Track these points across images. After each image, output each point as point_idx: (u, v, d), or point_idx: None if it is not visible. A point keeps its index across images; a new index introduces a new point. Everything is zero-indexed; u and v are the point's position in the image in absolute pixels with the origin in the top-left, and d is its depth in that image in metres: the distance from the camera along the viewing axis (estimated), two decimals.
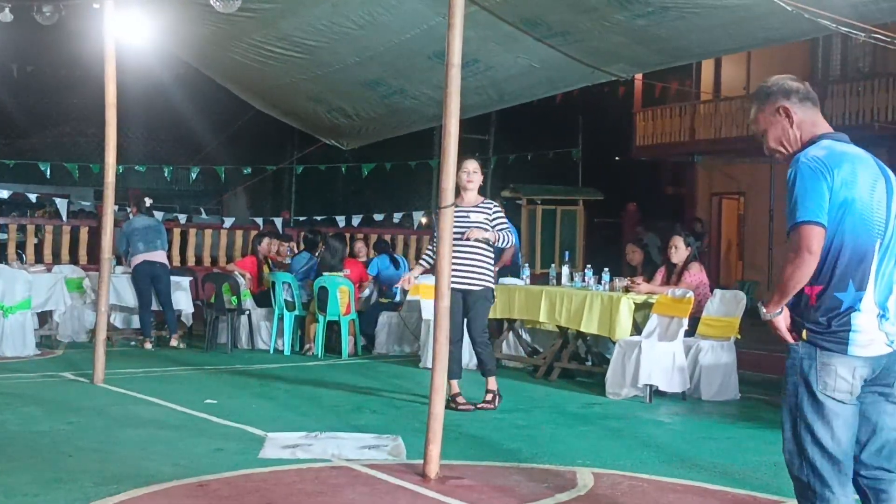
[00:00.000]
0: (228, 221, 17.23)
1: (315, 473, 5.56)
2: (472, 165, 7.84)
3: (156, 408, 7.64)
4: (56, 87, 22.40)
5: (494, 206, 7.98)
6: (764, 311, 3.36)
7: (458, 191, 7.88)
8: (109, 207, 8.77)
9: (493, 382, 7.87)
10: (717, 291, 9.19)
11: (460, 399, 7.68)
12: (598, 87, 13.19)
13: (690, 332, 8.73)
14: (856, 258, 3.26)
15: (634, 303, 8.83)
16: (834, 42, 18.96)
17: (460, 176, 7.76)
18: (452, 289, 7.76)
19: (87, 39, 10.20)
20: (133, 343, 11.68)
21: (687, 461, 6.14)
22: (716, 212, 22.11)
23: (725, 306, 8.91)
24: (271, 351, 11.36)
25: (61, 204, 15.49)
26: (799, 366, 3.30)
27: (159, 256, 11.50)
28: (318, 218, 18.38)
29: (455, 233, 7.72)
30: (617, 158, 24.44)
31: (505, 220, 7.96)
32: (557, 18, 7.63)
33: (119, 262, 12.04)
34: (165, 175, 18.29)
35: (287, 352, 11.21)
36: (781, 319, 3.35)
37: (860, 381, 3.27)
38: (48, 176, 16.87)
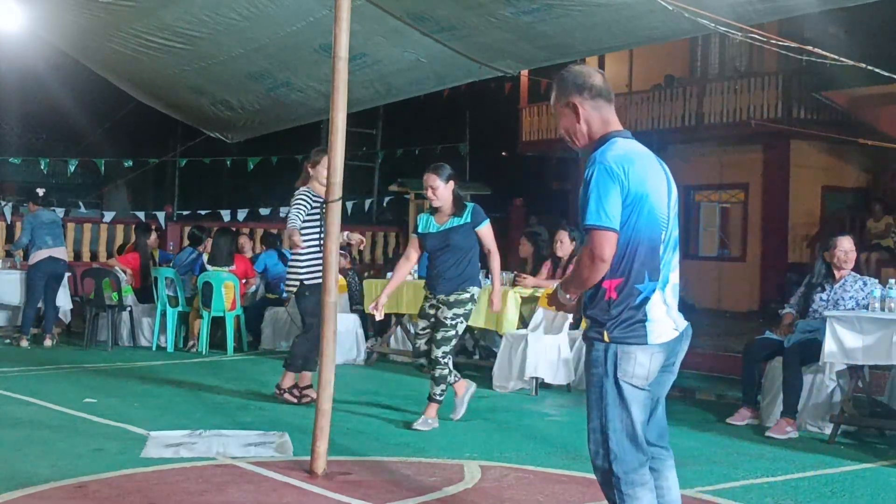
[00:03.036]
0: (109, 215, 16.81)
1: (199, 472, 5.46)
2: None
3: (32, 407, 7.41)
4: None
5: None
6: (568, 297, 3.57)
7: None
8: None
9: (287, 379, 7.81)
10: None
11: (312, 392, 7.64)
12: (484, 83, 13.31)
13: (575, 325, 8.86)
14: (650, 251, 3.44)
15: (521, 296, 8.93)
16: (712, 41, 19.51)
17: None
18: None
19: None
20: (8, 341, 11.30)
21: (571, 452, 6.24)
22: None
23: None
24: (154, 348, 11.13)
25: None
26: (603, 357, 3.44)
27: (63, 253, 11.44)
28: (203, 212, 18.07)
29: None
30: (504, 154, 24.68)
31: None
32: (444, 13, 7.65)
33: None
34: (42, 167, 17.74)
35: (170, 348, 11.01)
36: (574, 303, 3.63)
37: (656, 367, 3.46)
38: None
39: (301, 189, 7.75)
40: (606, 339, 3.42)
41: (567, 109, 3.58)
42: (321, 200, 7.47)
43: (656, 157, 3.59)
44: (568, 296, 3.57)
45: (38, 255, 11.03)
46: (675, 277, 3.55)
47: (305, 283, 7.65)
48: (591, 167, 3.41)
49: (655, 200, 3.45)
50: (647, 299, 3.42)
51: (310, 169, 7.80)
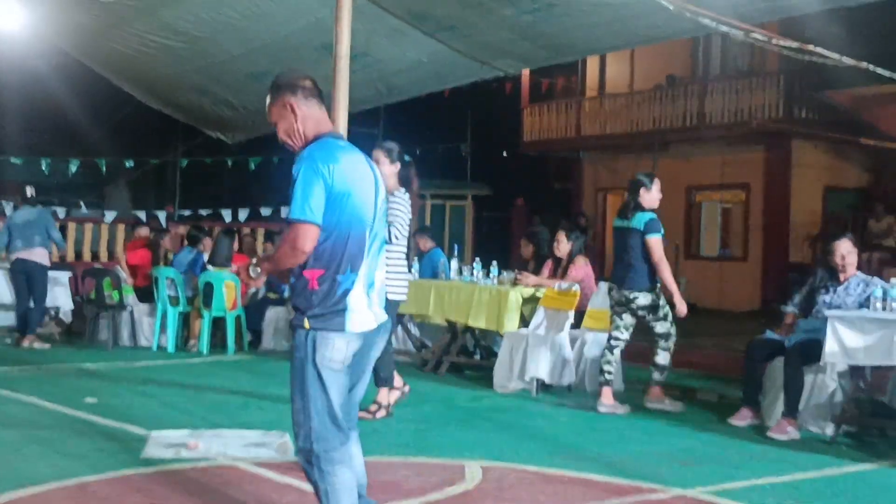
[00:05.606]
0: (110, 215, 16.80)
1: (200, 473, 5.46)
2: None
3: (32, 407, 7.40)
4: None
5: None
6: (259, 271, 3.77)
7: None
8: None
9: (383, 394, 7.22)
10: (602, 284, 9.34)
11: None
12: (486, 83, 13.29)
13: (576, 325, 8.85)
14: (353, 245, 3.66)
15: (522, 296, 8.91)
16: (714, 41, 19.49)
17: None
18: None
19: None
20: (8, 340, 11.29)
21: (572, 452, 6.23)
22: (601, 206, 22.52)
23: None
24: (154, 348, 11.12)
25: None
26: (304, 343, 3.65)
27: (37, 255, 10.91)
28: (204, 212, 18.06)
29: None
30: (505, 154, 24.68)
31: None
32: (445, 13, 7.66)
33: None
34: (43, 167, 17.73)
35: (171, 348, 10.99)
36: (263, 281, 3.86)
37: (352, 353, 3.68)
38: None
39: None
40: (307, 326, 3.64)
41: (285, 111, 3.74)
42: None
43: (366, 159, 3.83)
44: (259, 270, 3.76)
45: (11, 257, 10.98)
46: (380, 275, 3.81)
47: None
48: (299, 164, 3.61)
49: (359, 200, 3.67)
50: (347, 291, 3.64)
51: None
